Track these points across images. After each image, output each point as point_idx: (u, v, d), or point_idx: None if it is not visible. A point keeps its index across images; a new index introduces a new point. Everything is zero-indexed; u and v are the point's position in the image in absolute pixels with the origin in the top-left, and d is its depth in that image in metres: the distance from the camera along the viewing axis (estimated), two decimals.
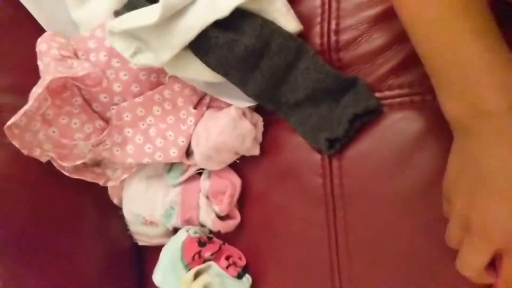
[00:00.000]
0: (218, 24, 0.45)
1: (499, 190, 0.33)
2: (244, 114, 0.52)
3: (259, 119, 0.54)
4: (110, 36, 0.47)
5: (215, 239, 0.57)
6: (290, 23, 0.48)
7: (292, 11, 0.49)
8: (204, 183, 0.56)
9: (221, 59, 0.47)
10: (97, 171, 0.57)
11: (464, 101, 0.34)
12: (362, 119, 0.48)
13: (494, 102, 0.33)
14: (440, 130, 0.38)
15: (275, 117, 0.54)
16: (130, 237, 0.64)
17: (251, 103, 0.52)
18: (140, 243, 0.64)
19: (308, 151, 0.52)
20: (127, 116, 0.54)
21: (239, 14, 0.45)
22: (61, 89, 0.52)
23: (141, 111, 0.54)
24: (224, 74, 0.49)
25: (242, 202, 0.57)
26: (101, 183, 0.57)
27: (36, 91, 0.48)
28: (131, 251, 0.65)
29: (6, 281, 0.50)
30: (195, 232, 0.55)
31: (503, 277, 0.35)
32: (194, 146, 0.54)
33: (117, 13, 0.49)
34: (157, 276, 0.55)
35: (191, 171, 0.56)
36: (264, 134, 0.55)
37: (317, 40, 0.50)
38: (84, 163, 0.55)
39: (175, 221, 0.57)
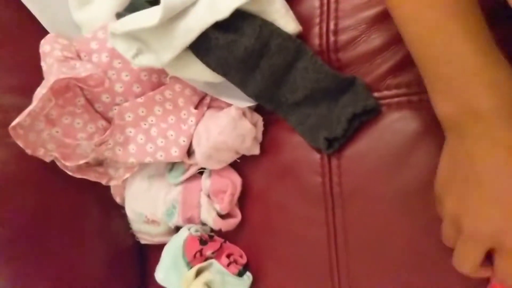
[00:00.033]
0: (218, 25, 0.45)
1: (490, 190, 0.33)
2: (244, 114, 0.52)
3: (259, 119, 0.55)
4: (112, 38, 0.48)
5: (216, 237, 0.57)
6: (289, 24, 0.48)
7: (291, 12, 0.49)
8: (205, 182, 0.56)
9: (221, 59, 0.47)
10: (100, 170, 0.58)
11: (456, 101, 0.34)
12: (360, 119, 0.48)
13: (485, 101, 0.33)
14: (437, 130, 0.38)
15: (275, 117, 0.54)
16: (133, 235, 0.64)
17: (251, 103, 0.52)
18: (142, 242, 0.64)
19: (307, 150, 0.52)
20: (129, 116, 0.54)
21: (239, 15, 0.45)
22: (64, 89, 0.52)
23: (142, 111, 0.54)
24: (224, 74, 0.49)
25: (242, 200, 0.57)
26: (103, 182, 0.57)
27: (40, 91, 0.48)
28: (134, 250, 0.66)
29: (10, 279, 0.51)
30: (197, 231, 0.56)
31: (497, 276, 0.34)
32: (195, 146, 0.54)
33: (119, 15, 0.49)
34: (159, 274, 0.56)
35: (192, 170, 0.56)
36: (264, 133, 0.56)
37: (316, 41, 0.51)
38: (87, 163, 0.55)
39: (176, 220, 0.57)
